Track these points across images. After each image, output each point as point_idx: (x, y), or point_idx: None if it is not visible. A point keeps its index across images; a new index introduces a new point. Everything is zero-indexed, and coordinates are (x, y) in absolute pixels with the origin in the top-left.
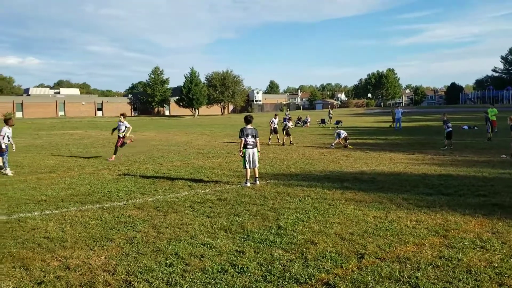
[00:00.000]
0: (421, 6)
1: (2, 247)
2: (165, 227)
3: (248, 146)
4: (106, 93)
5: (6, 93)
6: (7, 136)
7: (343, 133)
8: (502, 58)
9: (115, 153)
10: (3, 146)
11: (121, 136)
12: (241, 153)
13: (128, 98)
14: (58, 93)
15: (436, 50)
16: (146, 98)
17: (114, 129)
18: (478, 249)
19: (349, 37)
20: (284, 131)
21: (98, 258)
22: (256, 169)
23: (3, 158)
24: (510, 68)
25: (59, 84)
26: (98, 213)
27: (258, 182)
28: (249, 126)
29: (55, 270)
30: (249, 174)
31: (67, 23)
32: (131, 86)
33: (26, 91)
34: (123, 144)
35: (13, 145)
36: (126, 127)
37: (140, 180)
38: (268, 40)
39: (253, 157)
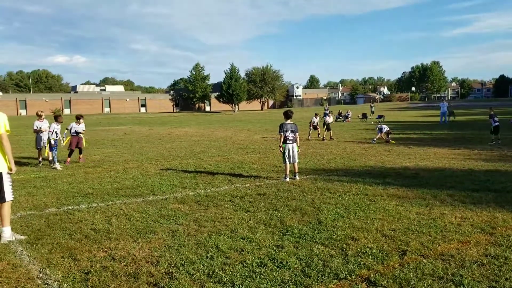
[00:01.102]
0: None
1: (52, 238)
2: (206, 220)
3: (287, 141)
4: (149, 90)
5: (55, 90)
6: (56, 132)
7: (385, 128)
8: None
9: (69, 156)
10: (52, 142)
11: (81, 136)
12: (280, 148)
13: (170, 95)
14: (104, 90)
15: (485, 41)
16: (188, 94)
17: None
18: None
19: (394, 29)
20: (325, 126)
21: (142, 250)
22: (295, 164)
23: (52, 153)
24: None
25: (105, 82)
26: (142, 206)
27: (297, 177)
28: (288, 121)
29: (101, 260)
30: (288, 169)
31: (114, 22)
32: (172, 82)
33: (74, 88)
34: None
35: (62, 140)
36: (82, 130)
37: (181, 175)
38: (309, 35)
39: (292, 152)
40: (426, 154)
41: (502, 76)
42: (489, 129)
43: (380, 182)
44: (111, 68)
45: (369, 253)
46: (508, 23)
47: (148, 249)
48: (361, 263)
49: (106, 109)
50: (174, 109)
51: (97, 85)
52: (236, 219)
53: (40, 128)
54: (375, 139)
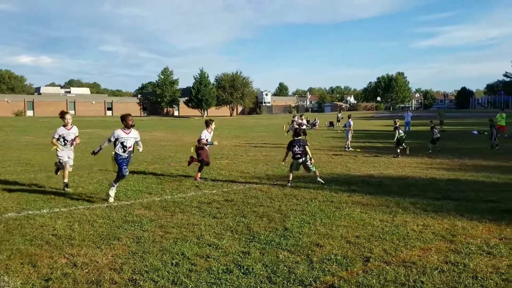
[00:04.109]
0: (438, 8)
1: (11, 244)
2: (172, 227)
3: (296, 156)
4: (116, 93)
5: (18, 91)
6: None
7: (350, 123)
8: None
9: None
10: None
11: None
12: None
13: (137, 98)
14: (69, 92)
15: (448, 54)
16: (156, 98)
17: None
18: (485, 254)
19: (362, 39)
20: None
21: (105, 257)
22: (316, 172)
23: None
24: None
25: (70, 83)
26: (106, 212)
27: (319, 179)
28: (300, 138)
29: (62, 267)
30: (291, 176)
31: (84, 22)
32: (140, 86)
33: (37, 89)
34: None
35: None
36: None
37: (147, 180)
38: (280, 42)
39: (302, 164)
40: (390, 163)
41: (463, 88)
42: (430, 139)
43: (346, 189)
44: (78, 69)
45: (334, 260)
46: (470, 36)
47: (112, 256)
48: (326, 269)
49: (71, 112)
50: (142, 113)
51: (62, 87)
52: (203, 225)
53: (64, 137)
54: (347, 145)
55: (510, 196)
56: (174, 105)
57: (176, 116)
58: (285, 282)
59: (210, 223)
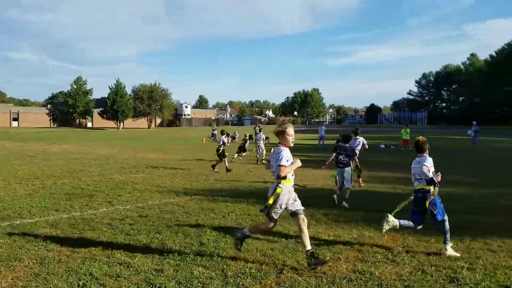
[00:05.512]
0: (352, 29)
1: None
2: (80, 245)
3: (339, 165)
4: (23, 103)
5: None
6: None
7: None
8: (416, 82)
9: None
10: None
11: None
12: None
13: (47, 109)
14: None
15: (360, 72)
16: (67, 109)
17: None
18: (389, 262)
19: (281, 55)
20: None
21: (4, 280)
22: (347, 189)
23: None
24: (423, 91)
25: None
26: (7, 231)
27: (345, 204)
28: (347, 145)
29: None
30: (338, 188)
31: None
32: (51, 96)
33: None
34: None
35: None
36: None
37: (55, 196)
38: (200, 55)
39: (343, 176)
40: (305, 175)
41: (372, 105)
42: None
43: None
44: None
45: (248, 273)
46: (379, 56)
47: (12, 279)
48: (240, 283)
49: None
50: (52, 124)
51: None
52: (114, 243)
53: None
54: (263, 158)
55: None
56: (87, 116)
57: (89, 128)
58: None
59: (122, 241)
